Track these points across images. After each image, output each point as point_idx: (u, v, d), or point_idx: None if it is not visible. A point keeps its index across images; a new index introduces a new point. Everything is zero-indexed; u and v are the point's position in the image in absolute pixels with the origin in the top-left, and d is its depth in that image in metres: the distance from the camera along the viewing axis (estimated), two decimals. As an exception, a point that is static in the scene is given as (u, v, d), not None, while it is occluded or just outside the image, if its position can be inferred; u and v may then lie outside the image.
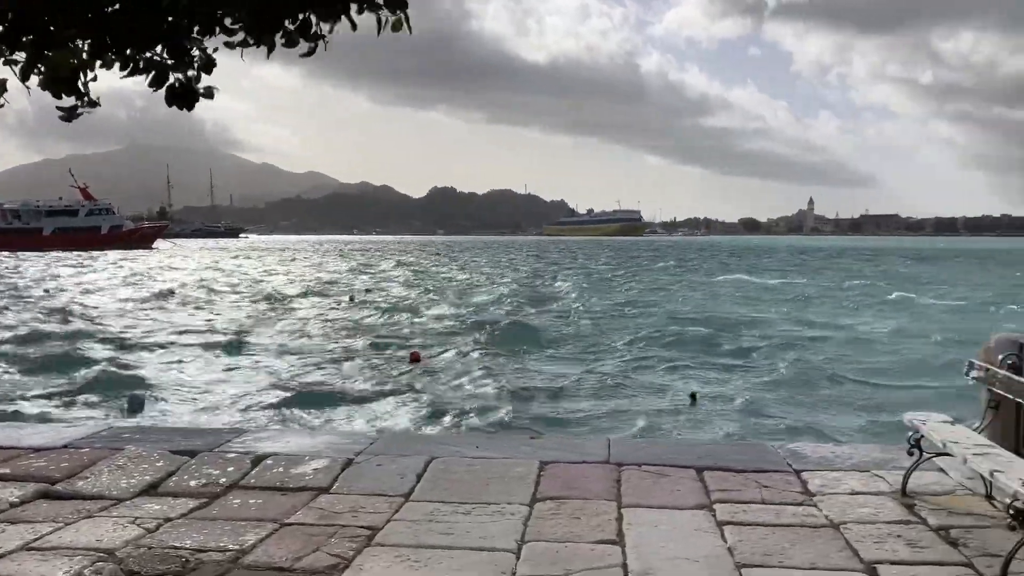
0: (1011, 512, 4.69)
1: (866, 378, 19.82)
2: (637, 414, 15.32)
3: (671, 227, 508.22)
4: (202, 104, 4.26)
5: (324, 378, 18.77)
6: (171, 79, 4.06)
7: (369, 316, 32.94)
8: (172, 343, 24.18)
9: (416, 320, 31.25)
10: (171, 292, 43.56)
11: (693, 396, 16.47)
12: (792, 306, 39.33)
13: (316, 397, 16.29)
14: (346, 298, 41.57)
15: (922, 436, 6.11)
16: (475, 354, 22.20)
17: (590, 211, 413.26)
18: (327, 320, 31.22)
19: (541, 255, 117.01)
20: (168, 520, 5.58)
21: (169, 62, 4.03)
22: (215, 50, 4.13)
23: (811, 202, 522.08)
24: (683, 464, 6.83)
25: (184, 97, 4.06)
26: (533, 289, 50.05)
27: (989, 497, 6.00)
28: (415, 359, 20.78)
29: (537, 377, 19.06)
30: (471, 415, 14.90)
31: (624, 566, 4.79)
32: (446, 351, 22.85)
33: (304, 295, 43.57)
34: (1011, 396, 6.02)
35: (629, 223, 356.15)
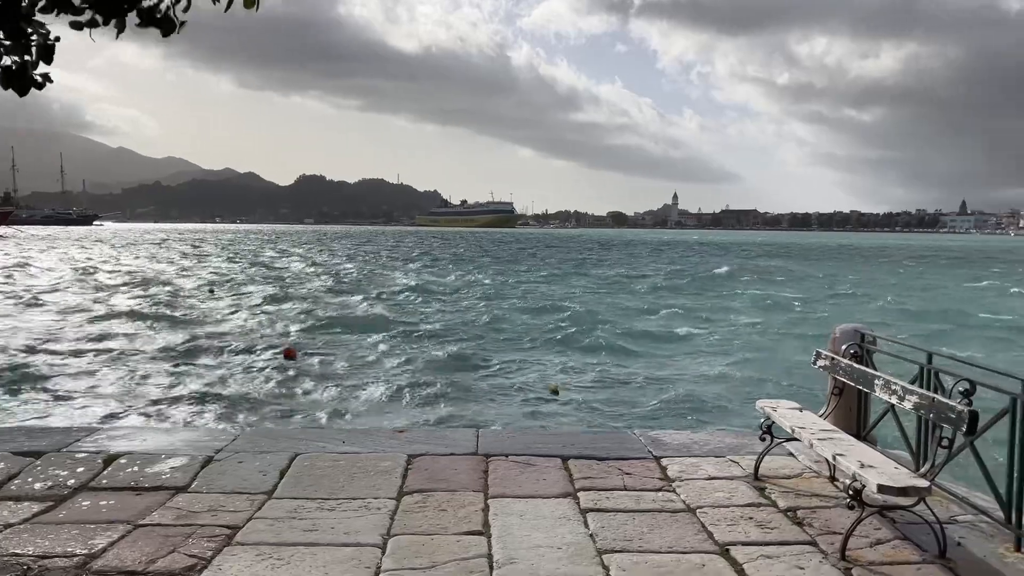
0: (850, 492, 5.00)
1: (727, 366, 20.67)
2: (507, 405, 15.47)
3: (543, 219, 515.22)
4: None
5: (185, 374, 18.06)
6: (7, 61, 3.80)
7: (235, 310, 31.91)
8: (32, 339, 22.73)
9: (290, 314, 30.49)
10: None
11: (555, 390, 16.72)
12: (666, 300, 40.58)
13: (177, 394, 15.67)
14: (207, 290, 40.12)
15: (773, 422, 6.43)
16: (348, 349, 21.88)
17: (463, 202, 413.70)
18: (190, 313, 30.04)
19: (425, 250, 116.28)
20: (8, 526, 5.25)
21: (5, 43, 3.77)
22: (57, 39, 3.88)
23: (675, 197, 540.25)
24: (549, 453, 6.95)
25: (18, 80, 3.81)
26: (420, 283, 49.71)
27: (833, 479, 6.38)
28: (289, 355, 20.24)
29: (410, 372, 18.95)
30: (339, 411, 14.68)
31: (489, 556, 4.83)
32: (319, 346, 22.41)
33: (162, 285, 41.78)
34: (853, 383, 6.40)
35: (502, 214, 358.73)
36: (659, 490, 6.14)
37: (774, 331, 27.77)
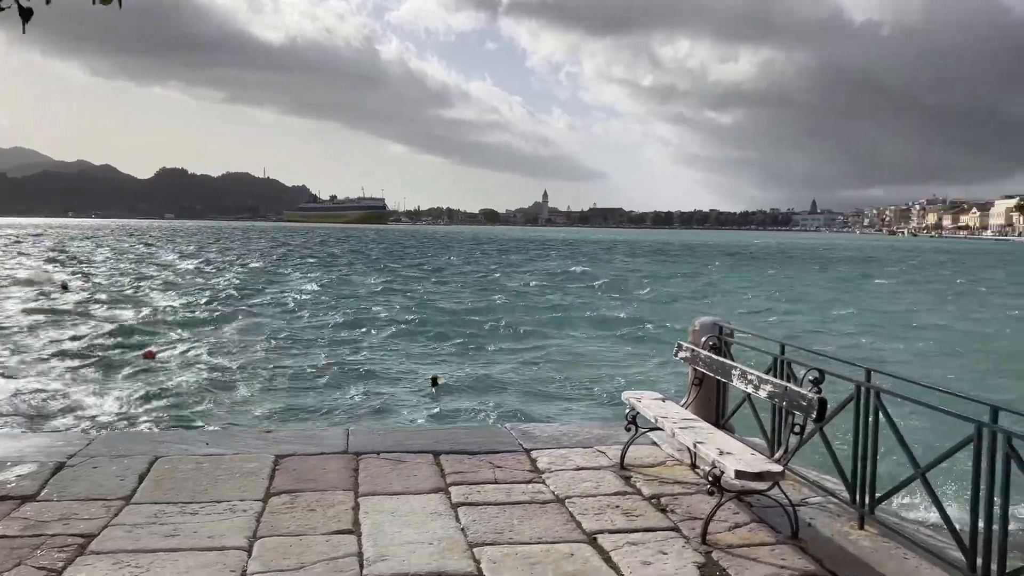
0: (710, 479, 5.21)
1: (602, 359, 21.16)
2: (380, 401, 15.33)
3: (415, 216, 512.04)
4: None
5: (34, 376, 17.01)
6: None
7: (91, 307, 30.29)
8: None
9: (147, 312, 29.16)
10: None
11: (435, 380, 16.72)
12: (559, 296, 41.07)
13: (26, 397, 14.74)
14: (59, 286, 37.92)
15: (637, 413, 6.63)
16: (213, 349, 21.14)
17: (333, 197, 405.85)
18: (38, 312, 28.30)
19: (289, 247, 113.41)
20: None
21: None
22: None
23: (545, 195, 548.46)
24: (421, 449, 6.93)
25: None
26: (268, 278, 48.45)
27: (694, 466, 6.63)
28: (148, 356, 19.36)
29: (280, 371, 18.48)
30: (203, 412, 14.19)
31: (359, 554, 4.78)
32: (181, 345, 21.55)
33: (9, 284, 39.21)
34: (712, 374, 6.68)
35: (374, 211, 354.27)
36: (529, 482, 6.22)
37: (651, 327, 28.55)
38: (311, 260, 70.52)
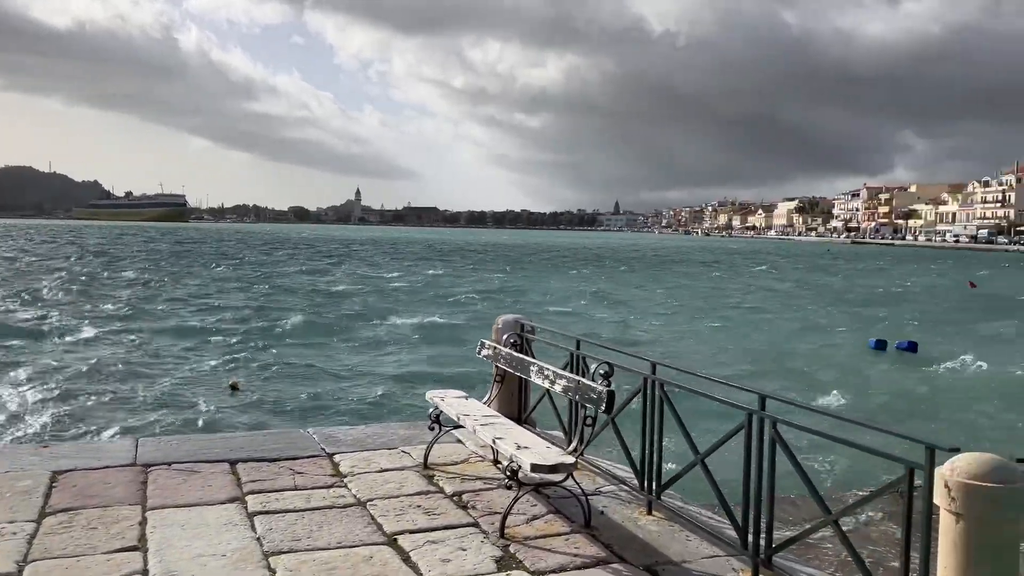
0: (508, 473, 5.33)
1: (410, 359, 21.11)
2: (173, 410, 14.57)
3: (219, 214, 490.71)
4: None
5: None
6: None
7: None
8: None
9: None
10: None
11: (234, 387, 16.08)
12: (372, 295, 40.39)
13: None
14: None
15: (441, 412, 6.67)
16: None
17: (128, 194, 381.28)
18: None
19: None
20: None
21: None
22: None
23: (358, 193, 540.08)
24: (217, 458, 6.66)
25: None
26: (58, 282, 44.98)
27: (496, 462, 6.75)
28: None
29: (59, 380, 17.16)
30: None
31: (144, 572, 4.53)
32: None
33: None
34: (512, 371, 6.83)
35: (173, 208, 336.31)
36: (330, 487, 6.12)
37: (464, 325, 28.77)
38: (114, 260, 66.05)
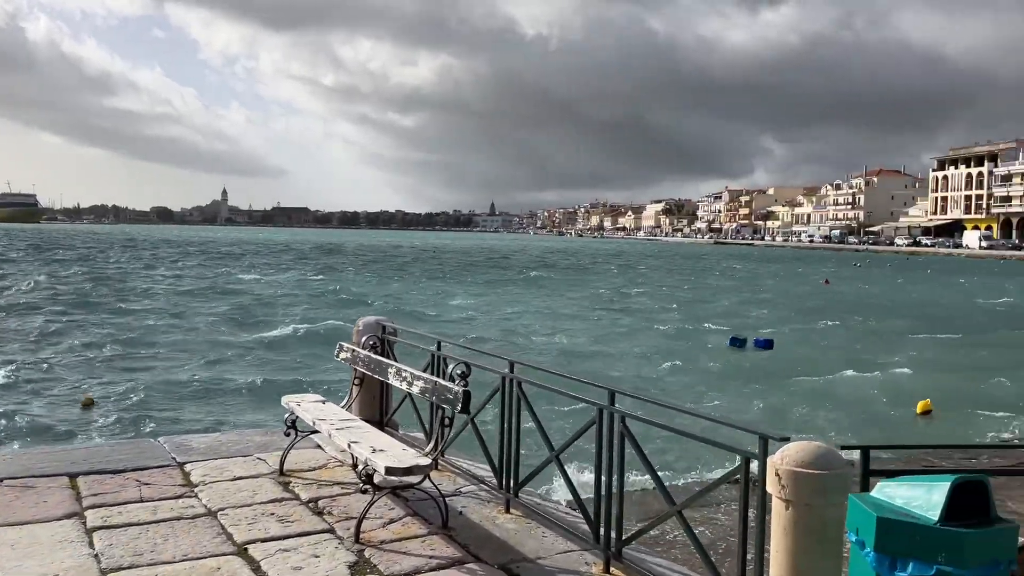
0: (363, 477, 5.25)
1: (272, 364, 20.57)
2: (6, 423, 13.69)
3: (74, 214, 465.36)
4: None
5: None
6: None
7: None
8: None
9: None
10: None
11: (87, 403, 15.21)
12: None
13: None
14: None
15: (297, 417, 6.52)
16: None
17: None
18: None
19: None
20: None
21: None
22: None
23: (224, 192, 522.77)
24: (54, 472, 6.28)
25: None
26: None
27: (355, 466, 6.65)
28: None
29: None
30: None
31: (-35, 598, 4.23)
32: None
33: None
34: (371, 373, 6.74)
35: (23, 208, 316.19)
36: (179, 497, 5.88)
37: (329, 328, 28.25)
38: None
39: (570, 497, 5.41)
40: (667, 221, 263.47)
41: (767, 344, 25.82)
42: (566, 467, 5.58)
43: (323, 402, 6.76)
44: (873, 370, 21.59)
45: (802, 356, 24.02)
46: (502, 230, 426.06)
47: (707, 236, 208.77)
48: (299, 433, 6.57)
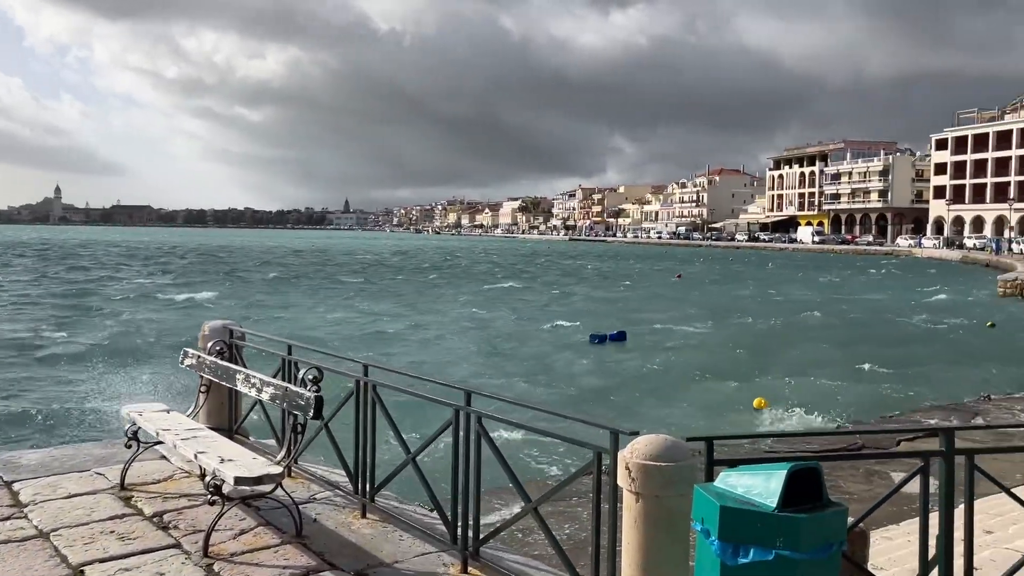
0: (211, 488, 5.04)
1: (117, 373, 19.50)
2: None
3: None
4: None
5: None
6: None
7: None
8: None
9: None
10: None
11: None
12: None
13: None
14: None
15: (140, 427, 6.19)
16: None
17: None
18: None
19: None
20: None
21: None
22: None
23: (58, 190, 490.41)
24: None
25: None
26: None
27: (203, 477, 6.38)
28: None
29: None
30: None
31: None
32: None
33: None
34: (218, 380, 6.49)
35: None
36: (7, 519, 5.47)
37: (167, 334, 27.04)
38: None
39: (427, 500, 5.38)
40: (524, 219, 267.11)
41: (620, 336, 26.67)
42: (424, 469, 5.57)
43: (167, 411, 6.45)
44: (722, 361, 22.60)
45: (654, 350, 24.87)
46: (357, 228, 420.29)
47: (563, 233, 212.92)
48: (142, 445, 6.25)
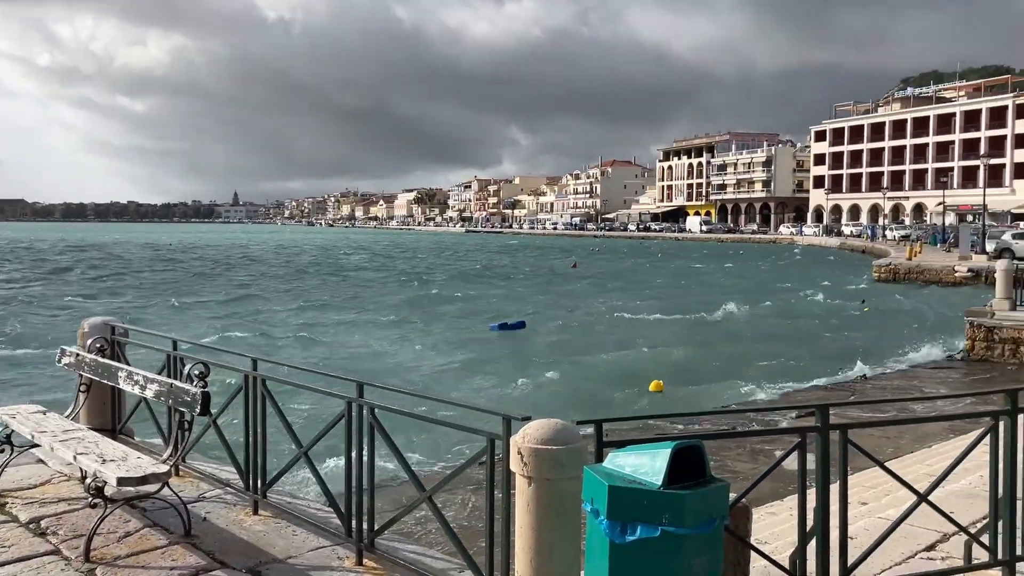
0: (92, 491, 4.85)
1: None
2: None
3: None
4: None
5: None
6: None
7: None
8: None
9: None
10: None
11: None
12: None
13: None
14: None
15: (13, 430, 5.90)
16: None
17: None
18: None
19: None
20: None
21: None
22: None
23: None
24: None
25: None
26: None
27: (84, 479, 6.13)
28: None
29: None
30: None
31: None
32: None
33: None
34: (99, 379, 6.24)
35: None
36: None
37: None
38: None
39: (322, 493, 5.32)
40: (419, 210, 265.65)
41: (520, 325, 26.93)
42: (318, 463, 5.50)
43: (44, 412, 6.16)
44: (618, 348, 23.04)
45: (554, 337, 25.16)
46: (247, 221, 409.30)
47: (459, 225, 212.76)
48: (15, 449, 5.95)
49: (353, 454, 4.79)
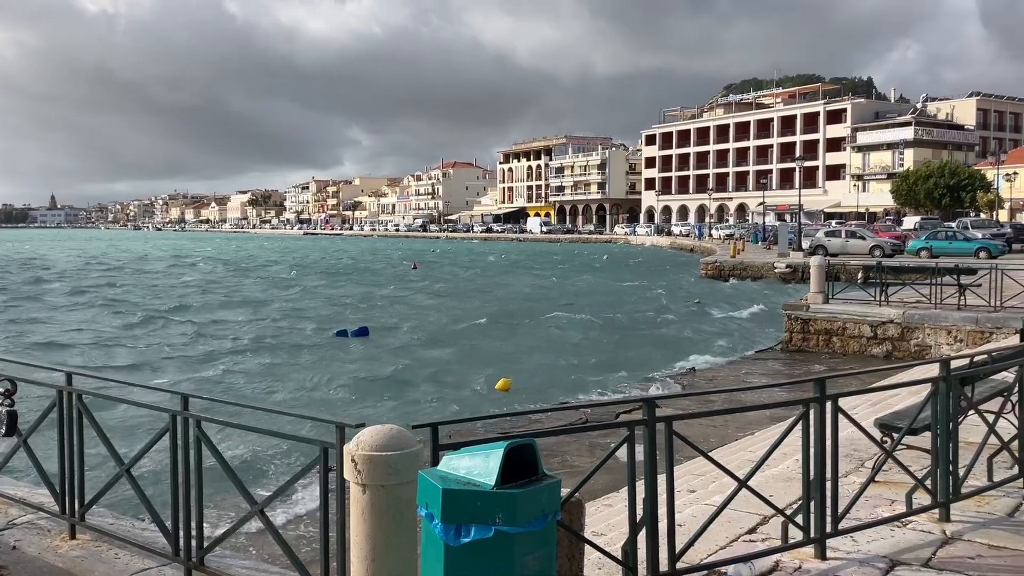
0: None
1: None
2: None
3: None
4: None
5: None
6: None
7: None
8: None
9: None
10: None
11: None
12: None
13: None
14: None
15: None
16: None
17: None
18: None
19: None
20: None
21: None
22: None
23: None
24: None
25: None
26: None
27: None
28: None
29: None
30: None
31: None
32: None
33: None
34: None
35: None
36: None
37: None
38: None
39: (147, 512, 5.06)
40: (254, 212, 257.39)
41: (363, 332, 26.54)
42: (145, 481, 5.23)
43: None
44: (462, 350, 23.13)
45: (396, 342, 24.97)
46: (66, 225, 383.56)
47: (297, 227, 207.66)
48: None
49: (180, 469, 4.58)
